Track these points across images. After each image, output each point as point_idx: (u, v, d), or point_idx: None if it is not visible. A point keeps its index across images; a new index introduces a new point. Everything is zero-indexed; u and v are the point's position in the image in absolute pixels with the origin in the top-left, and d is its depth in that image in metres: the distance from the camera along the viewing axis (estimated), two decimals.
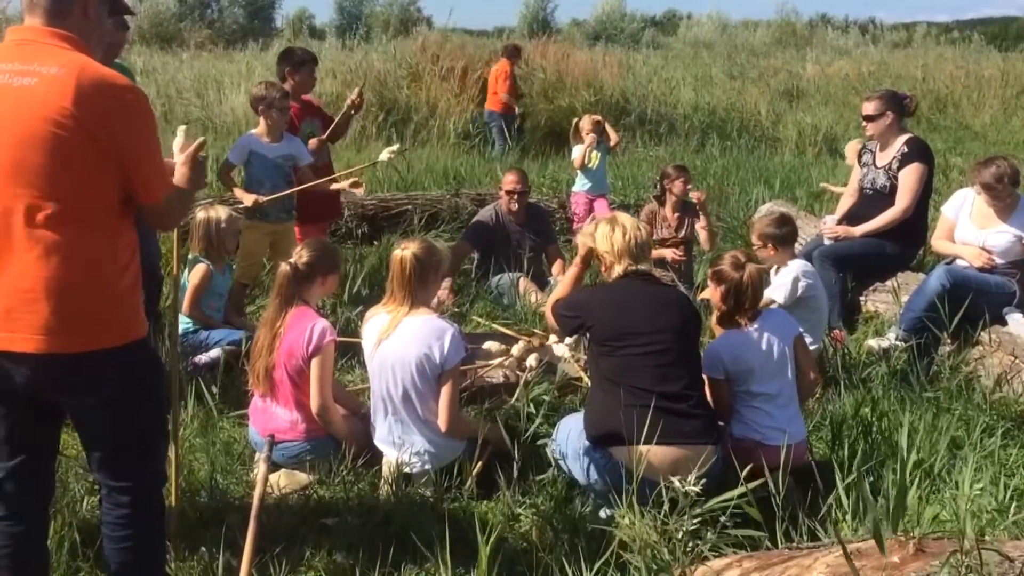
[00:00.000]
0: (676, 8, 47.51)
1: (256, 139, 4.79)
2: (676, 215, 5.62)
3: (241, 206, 4.90)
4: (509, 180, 5.60)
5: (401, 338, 3.13)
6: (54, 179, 1.96)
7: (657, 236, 5.44)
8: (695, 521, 2.53)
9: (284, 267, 3.29)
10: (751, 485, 2.57)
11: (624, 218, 3.22)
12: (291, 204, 4.91)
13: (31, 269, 1.98)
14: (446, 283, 4.91)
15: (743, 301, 3.22)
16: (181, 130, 2.31)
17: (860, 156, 5.32)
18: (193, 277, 4.34)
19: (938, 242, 4.65)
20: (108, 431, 2.17)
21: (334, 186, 4.86)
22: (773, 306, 3.83)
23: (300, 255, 3.32)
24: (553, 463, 3.13)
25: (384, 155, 4.68)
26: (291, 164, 4.84)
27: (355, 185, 4.77)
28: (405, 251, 3.18)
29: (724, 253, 3.49)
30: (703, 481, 2.63)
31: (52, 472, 2.34)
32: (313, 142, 5.06)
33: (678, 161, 7.79)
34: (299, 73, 5.16)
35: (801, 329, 3.46)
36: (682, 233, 5.60)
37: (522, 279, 5.36)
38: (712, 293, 3.35)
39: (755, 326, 3.22)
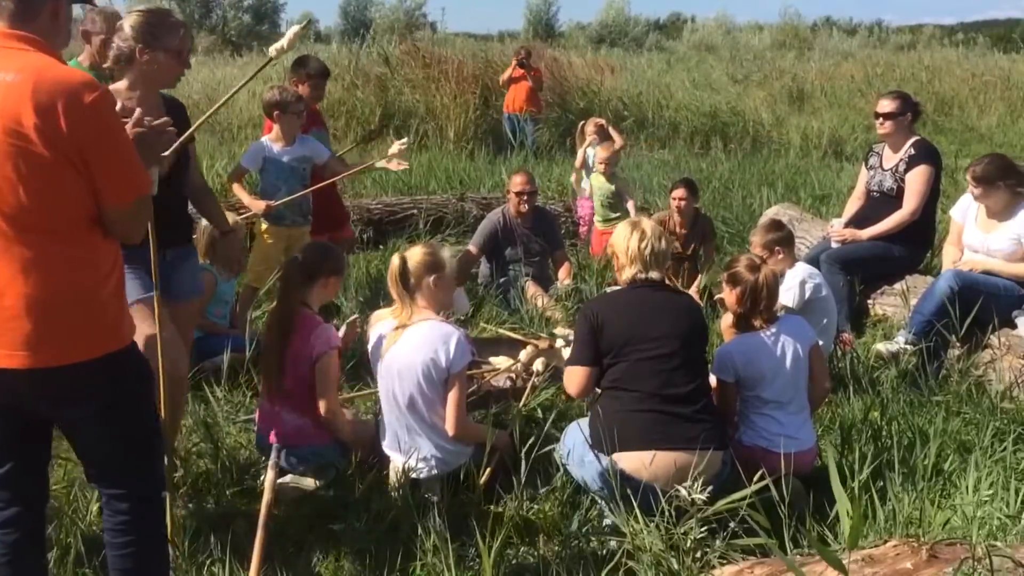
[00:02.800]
0: (680, 11, 47.53)
1: (269, 144, 4.77)
2: (684, 231, 5.57)
3: (250, 214, 4.89)
4: (517, 182, 5.57)
5: (407, 343, 3.12)
6: (22, 192, 1.89)
7: None
8: (703, 529, 2.51)
9: (286, 270, 3.29)
10: (751, 489, 2.55)
11: (646, 224, 3.16)
12: (307, 208, 4.91)
13: (9, 285, 1.93)
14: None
15: (759, 303, 3.19)
16: None
17: (867, 158, 5.30)
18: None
19: (948, 248, 4.65)
20: (100, 441, 2.15)
21: (378, 164, 4.91)
22: (782, 312, 3.80)
23: (301, 258, 3.32)
24: (560, 468, 3.11)
25: (395, 148, 4.69)
26: (306, 166, 4.84)
27: (396, 162, 4.80)
28: (396, 256, 3.20)
29: (738, 256, 3.46)
30: (709, 488, 2.61)
31: (45, 478, 2.30)
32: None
33: (682, 164, 7.76)
34: (311, 84, 5.15)
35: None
36: (690, 249, 5.55)
37: (529, 283, 5.34)
38: (727, 296, 3.31)
39: (771, 330, 3.19)
